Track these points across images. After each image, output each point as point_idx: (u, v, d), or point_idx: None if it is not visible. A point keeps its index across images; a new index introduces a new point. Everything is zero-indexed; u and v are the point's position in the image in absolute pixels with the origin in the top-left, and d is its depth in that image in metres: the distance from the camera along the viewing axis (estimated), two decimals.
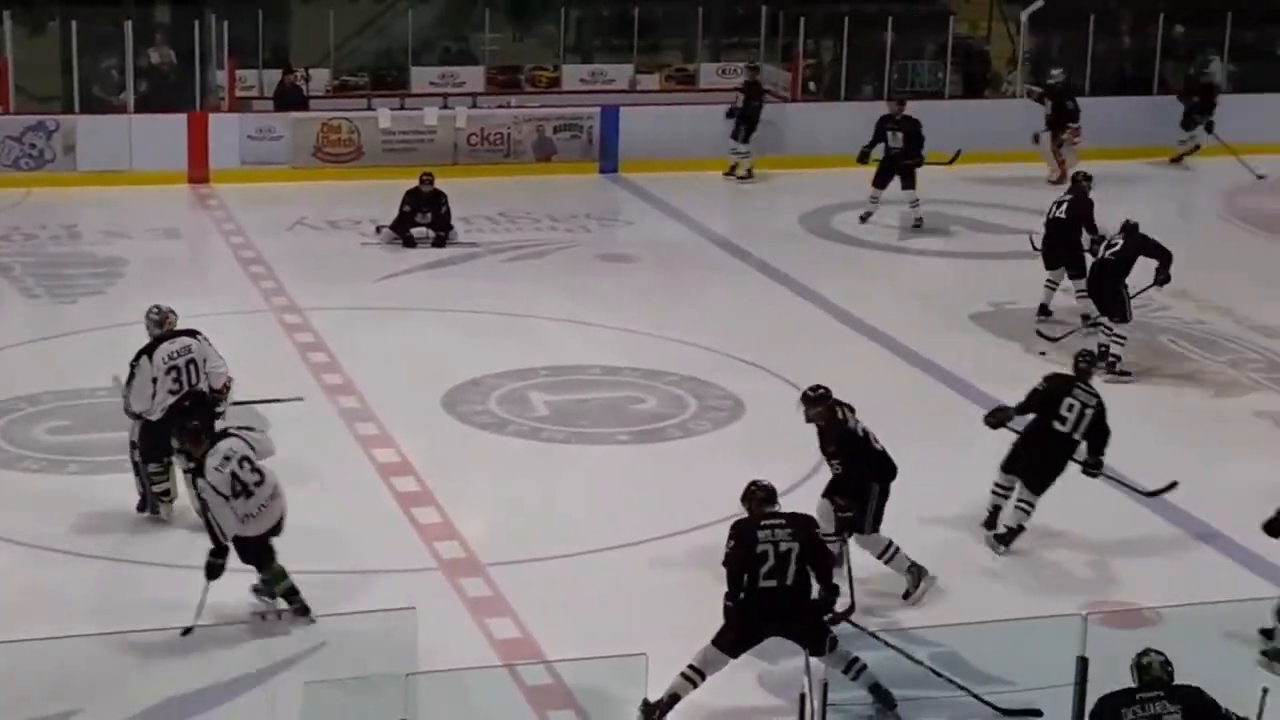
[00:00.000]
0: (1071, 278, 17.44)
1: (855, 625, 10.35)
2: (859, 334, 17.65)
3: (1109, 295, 16.26)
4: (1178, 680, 7.99)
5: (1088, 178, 18.03)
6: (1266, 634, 10.31)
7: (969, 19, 29.48)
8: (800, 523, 9.71)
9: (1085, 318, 17.07)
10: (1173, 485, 12.94)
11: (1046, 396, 12.33)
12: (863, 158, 22.14)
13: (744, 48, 29.35)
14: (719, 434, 14.65)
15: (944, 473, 13.30)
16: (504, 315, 18.13)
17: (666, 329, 17.44)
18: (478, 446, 14.45)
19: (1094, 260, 16.70)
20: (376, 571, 11.67)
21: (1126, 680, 8.14)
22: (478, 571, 11.85)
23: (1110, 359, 15.91)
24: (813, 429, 11.54)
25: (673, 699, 9.43)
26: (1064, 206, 17.70)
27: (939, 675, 9.66)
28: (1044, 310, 17.79)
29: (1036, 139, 24.66)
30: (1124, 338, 16.16)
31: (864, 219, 21.91)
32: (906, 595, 11.34)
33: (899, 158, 21.60)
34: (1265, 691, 8.19)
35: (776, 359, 16.26)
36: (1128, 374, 15.99)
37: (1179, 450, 14.30)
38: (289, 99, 25.22)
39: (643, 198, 23.82)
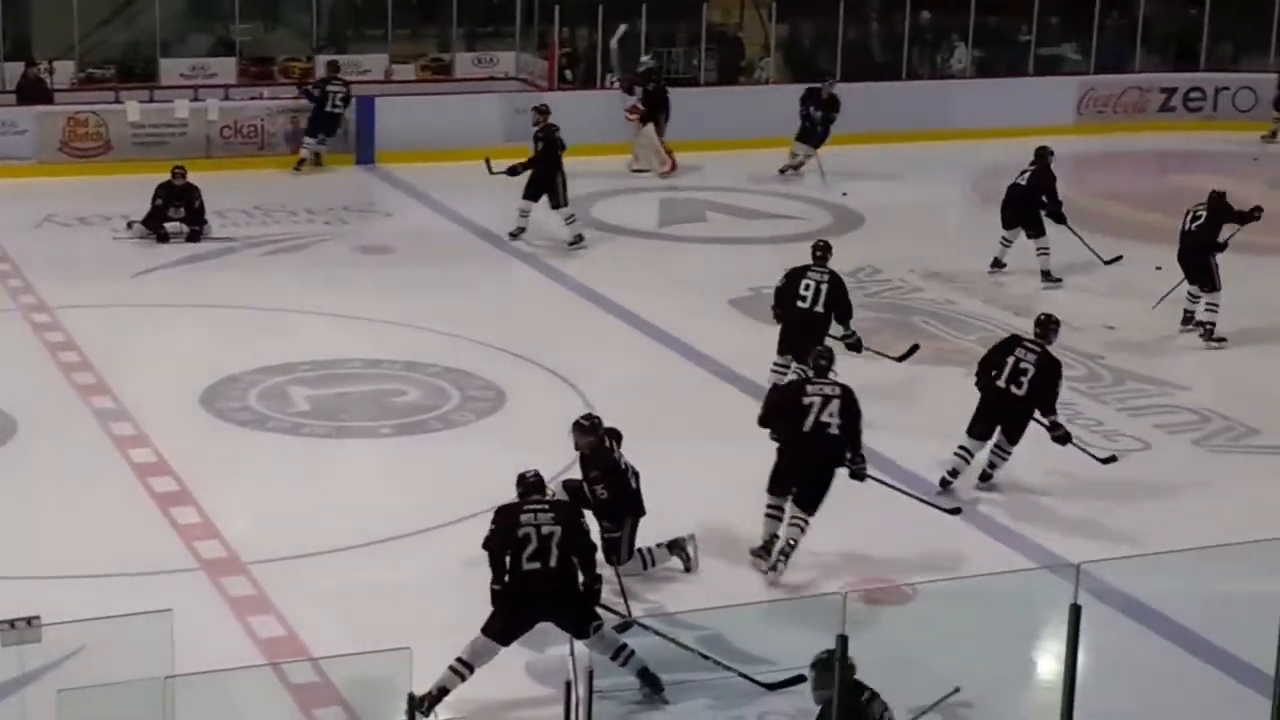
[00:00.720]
0: (1030, 236, 19.07)
1: (612, 611, 10.41)
2: (620, 320, 17.72)
3: (1198, 266, 16.98)
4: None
5: (1050, 152, 19.37)
6: None
7: (722, 6, 29.66)
8: (562, 508, 9.81)
9: (1045, 274, 18.92)
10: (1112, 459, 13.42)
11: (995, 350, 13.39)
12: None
13: (499, 36, 29.27)
14: (482, 424, 14.61)
15: (704, 455, 13.48)
16: (262, 310, 17.87)
17: (428, 320, 17.32)
18: (238, 444, 14.23)
19: (1181, 232, 17.34)
20: (135, 574, 11.42)
21: (888, 657, 8.33)
22: (240, 570, 11.68)
23: (1206, 326, 16.84)
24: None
25: (441, 692, 9.40)
26: (1026, 175, 19.19)
27: (706, 658, 9.76)
28: (997, 264, 19.38)
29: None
30: (1215, 305, 16.83)
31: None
32: (687, 569, 11.57)
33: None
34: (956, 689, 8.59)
35: (538, 348, 16.27)
36: (1223, 339, 16.84)
37: (936, 430, 14.59)
38: (32, 92, 24.50)
39: (401, 189, 23.64)
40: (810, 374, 12.29)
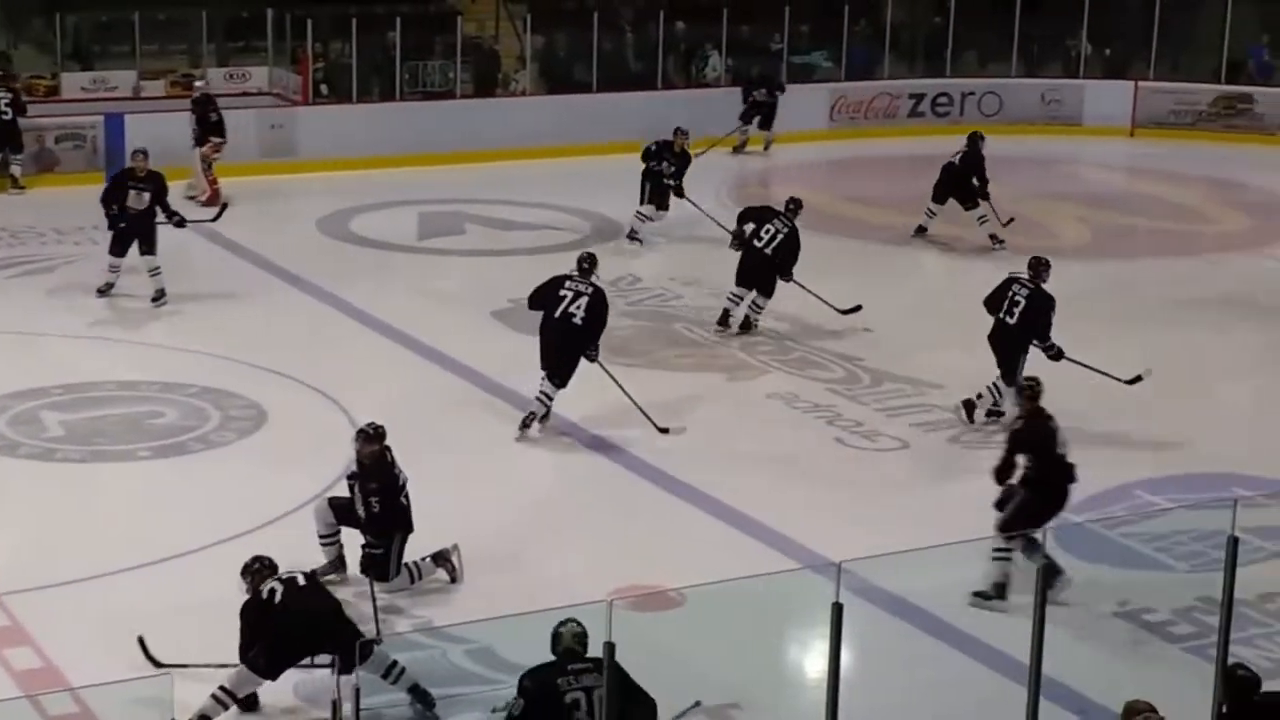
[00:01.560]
0: (968, 209, 20.95)
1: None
2: (382, 335, 17.59)
3: None
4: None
5: (981, 137, 21.12)
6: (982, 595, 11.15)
7: (476, 19, 29.66)
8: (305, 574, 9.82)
9: (993, 237, 20.88)
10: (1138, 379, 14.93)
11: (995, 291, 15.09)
12: None
13: (251, 51, 28.86)
14: (243, 444, 14.37)
15: (468, 466, 13.49)
16: (11, 333, 17.39)
17: (185, 340, 17.05)
18: None
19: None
20: None
21: (656, 662, 8.39)
22: None
23: None
24: (340, 441, 11.48)
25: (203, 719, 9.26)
26: (960, 157, 21.02)
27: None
28: (920, 230, 21.47)
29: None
30: None
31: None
32: (453, 580, 11.56)
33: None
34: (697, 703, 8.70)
35: (299, 366, 16.08)
36: None
37: (696, 432, 14.76)
38: None
39: None
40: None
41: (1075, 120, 30.12)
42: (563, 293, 14.53)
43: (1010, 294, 14.84)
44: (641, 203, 21.55)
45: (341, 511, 11.35)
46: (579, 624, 8.50)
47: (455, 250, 21.48)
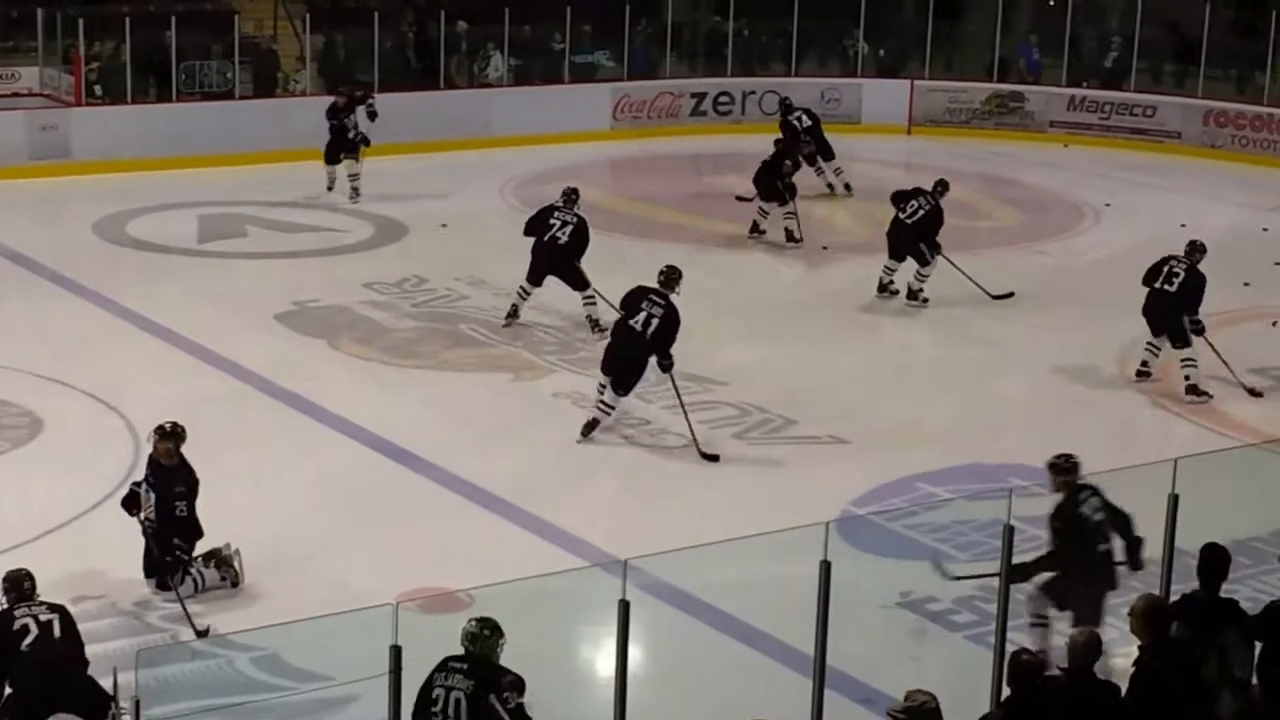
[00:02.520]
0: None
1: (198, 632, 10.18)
2: (161, 340, 17.25)
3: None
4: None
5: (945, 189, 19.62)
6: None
7: (254, 18, 29.27)
8: (59, 608, 9.35)
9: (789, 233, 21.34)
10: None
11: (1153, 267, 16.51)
12: None
13: (21, 51, 28.18)
14: (17, 454, 14.00)
15: (250, 469, 13.33)
16: None
17: None
18: None
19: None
20: None
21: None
22: None
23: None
24: (118, 446, 11.25)
25: None
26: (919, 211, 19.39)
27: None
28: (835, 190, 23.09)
29: None
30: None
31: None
32: (234, 585, 11.39)
33: None
34: None
35: (76, 372, 15.74)
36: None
37: (482, 433, 14.72)
38: None
39: None
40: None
41: (854, 118, 30.57)
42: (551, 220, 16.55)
43: (1169, 268, 16.34)
44: None
45: (128, 502, 11.16)
46: (481, 623, 8.38)
47: (237, 253, 21.16)
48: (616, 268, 19.51)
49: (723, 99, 30.57)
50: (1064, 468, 10.83)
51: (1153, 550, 9.91)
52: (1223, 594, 9.01)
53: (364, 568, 11.64)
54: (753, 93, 30.69)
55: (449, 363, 16.74)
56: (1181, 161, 28.13)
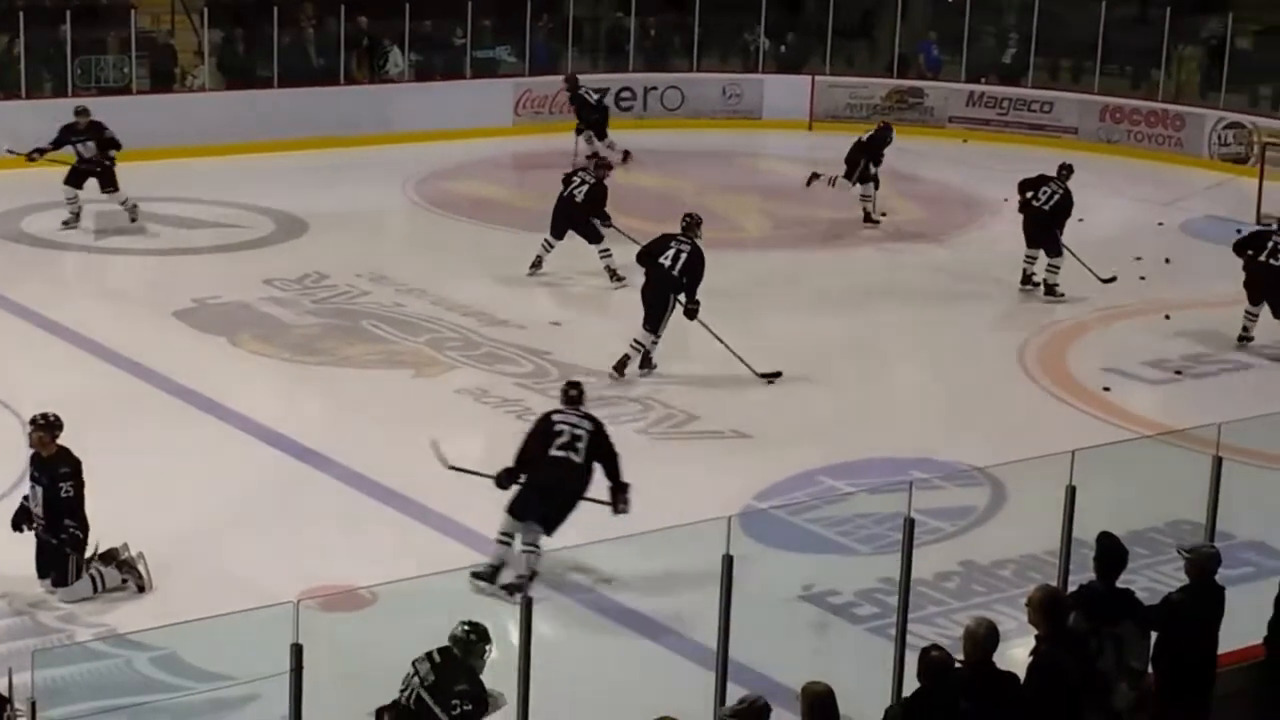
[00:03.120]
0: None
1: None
2: (60, 339, 17.04)
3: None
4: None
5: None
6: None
7: (151, 12, 28.87)
8: None
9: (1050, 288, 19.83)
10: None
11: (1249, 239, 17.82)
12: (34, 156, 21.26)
13: None
14: None
15: (149, 468, 13.22)
16: None
17: None
18: None
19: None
20: None
21: (345, 663, 8.30)
22: None
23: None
24: (10, 446, 11.11)
25: None
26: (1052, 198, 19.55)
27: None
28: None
29: None
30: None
31: (67, 224, 21.04)
32: (142, 589, 11.25)
33: (94, 164, 20.88)
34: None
35: None
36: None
37: (384, 430, 14.65)
38: None
39: None
40: None
41: (755, 114, 30.69)
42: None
43: (1273, 243, 17.15)
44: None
45: (23, 514, 11.04)
46: (468, 627, 8.41)
47: (135, 250, 20.91)
48: (521, 263, 19.56)
49: (624, 94, 30.54)
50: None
51: (1050, 542, 10.01)
52: (1120, 585, 9.11)
53: (265, 566, 11.55)
54: (655, 88, 30.69)
55: (350, 359, 16.65)
56: (1078, 157, 28.32)
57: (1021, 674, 8.38)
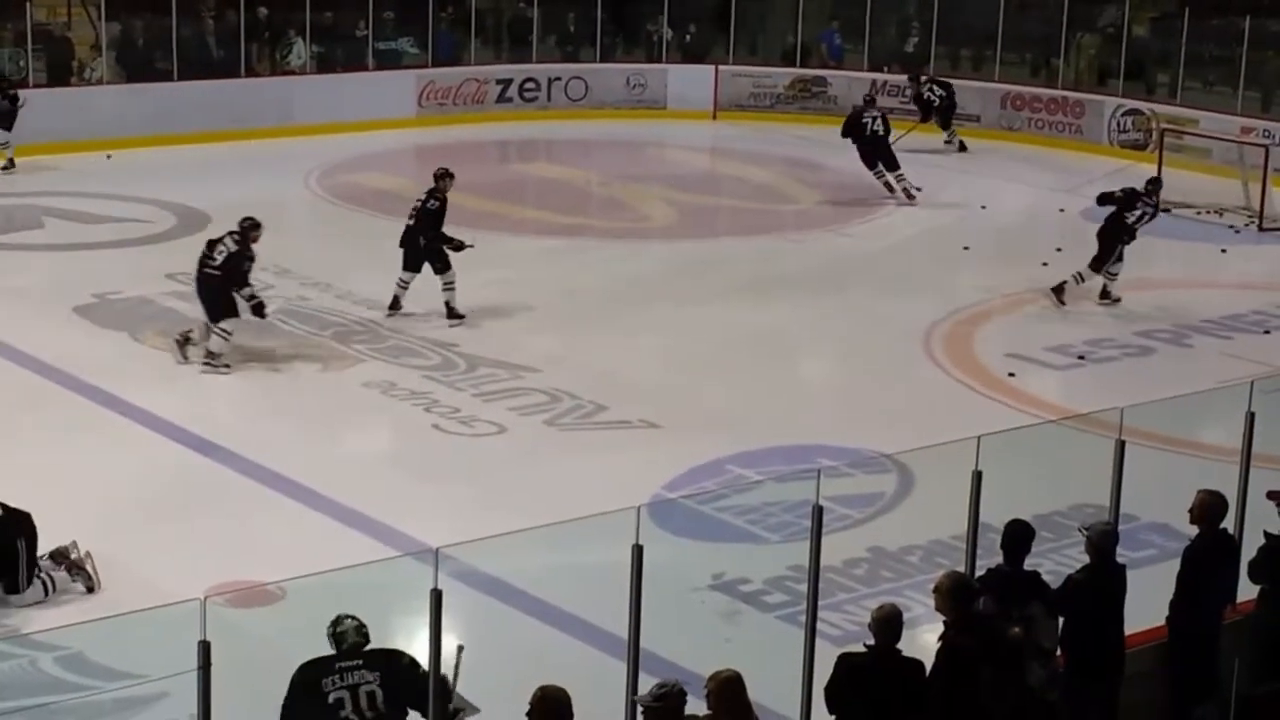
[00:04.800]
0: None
1: None
2: None
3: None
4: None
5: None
6: None
7: (47, 4, 28.55)
8: None
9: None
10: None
11: None
12: None
13: None
14: None
15: (49, 466, 13.11)
16: None
17: None
18: None
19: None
20: None
21: (254, 660, 8.22)
22: None
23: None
24: None
25: None
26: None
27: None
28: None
29: None
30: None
31: None
32: (91, 590, 11.12)
33: None
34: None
35: None
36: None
37: (291, 424, 14.57)
38: None
39: None
40: None
41: (659, 104, 30.73)
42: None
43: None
44: None
45: None
46: (354, 618, 8.36)
47: (33, 245, 20.67)
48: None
49: (529, 85, 30.50)
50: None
51: (957, 527, 10.08)
52: (1026, 567, 9.20)
53: (171, 563, 11.45)
54: (558, 79, 30.65)
55: (255, 354, 16.52)
56: (980, 144, 28.61)
57: (930, 661, 8.45)
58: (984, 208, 21.08)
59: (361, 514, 12.63)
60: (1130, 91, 28.99)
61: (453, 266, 17.49)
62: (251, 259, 16.01)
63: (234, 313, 15.93)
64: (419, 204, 17.56)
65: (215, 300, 15.81)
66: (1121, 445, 10.09)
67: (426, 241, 17.22)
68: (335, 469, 13.44)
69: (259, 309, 16.04)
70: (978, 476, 9.74)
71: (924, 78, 28.50)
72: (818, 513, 9.31)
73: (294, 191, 23.94)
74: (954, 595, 8.71)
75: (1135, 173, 26.18)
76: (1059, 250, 21.42)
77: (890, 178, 23.92)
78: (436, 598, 7.62)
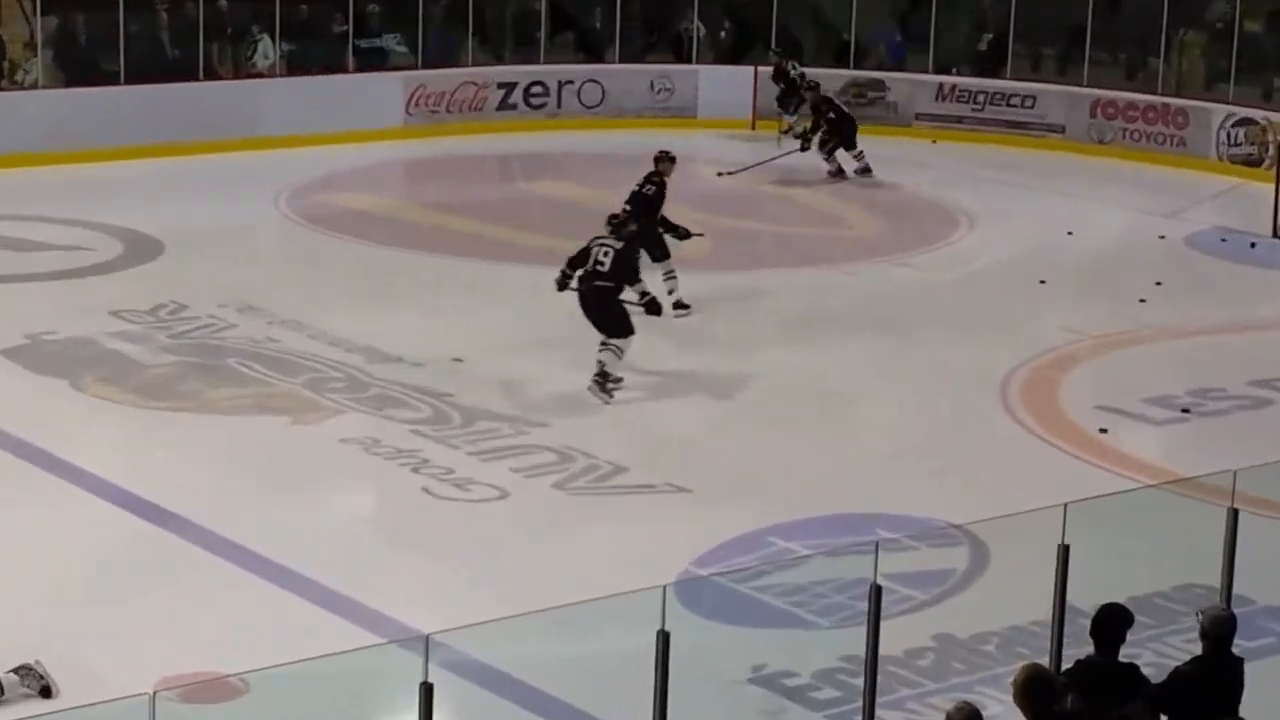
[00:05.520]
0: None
1: None
2: None
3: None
4: None
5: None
6: None
7: None
8: None
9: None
10: None
11: None
12: None
13: None
14: None
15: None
16: None
17: None
18: None
19: None
20: None
21: None
22: None
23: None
24: None
25: None
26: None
27: None
28: None
29: None
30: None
31: None
32: (48, 694, 10.89)
33: None
34: None
35: None
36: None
37: (256, 489, 14.54)
38: None
39: None
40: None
41: (689, 111, 30.79)
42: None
43: None
44: None
45: None
46: None
47: None
48: (409, 295, 19.48)
49: (535, 90, 30.58)
50: None
51: (1040, 611, 10.05)
52: (1122, 658, 9.16)
53: (116, 651, 11.42)
54: (570, 82, 30.73)
55: (215, 405, 16.54)
56: (1066, 159, 28.61)
57: None
58: (1070, 234, 21.05)
59: (338, 593, 12.59)
60: (1242, 98, 28.95)
61: (671, 255, 18.95)
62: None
63: (631, 329, 16.66)
64: (635, 189, 19.04)
65: (607, 312, 16.61)
66: (1235, 514, 10.07)
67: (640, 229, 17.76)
68: (308, 540, 13.40)
69: (653, 306, 17.51)
70: (1064, 550, 9.73)
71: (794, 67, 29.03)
72: (876, 593, 9.31)
73: (261, 214, 24.00)
74: (1029, 692, 8.69)
75: (1247, 193, 26.27)
76: (1158, 284, 21.42)
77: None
78: (426, 692, 7.63)
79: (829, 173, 26.80)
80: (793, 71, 28.83)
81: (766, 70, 30.75)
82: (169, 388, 16.91)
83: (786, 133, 28.43)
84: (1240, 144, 28.35)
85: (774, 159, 27.08)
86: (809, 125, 27.16)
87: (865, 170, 26.82)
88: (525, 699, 11.22)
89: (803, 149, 26.84)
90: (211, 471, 14.90)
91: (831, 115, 26.80)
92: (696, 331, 19.10)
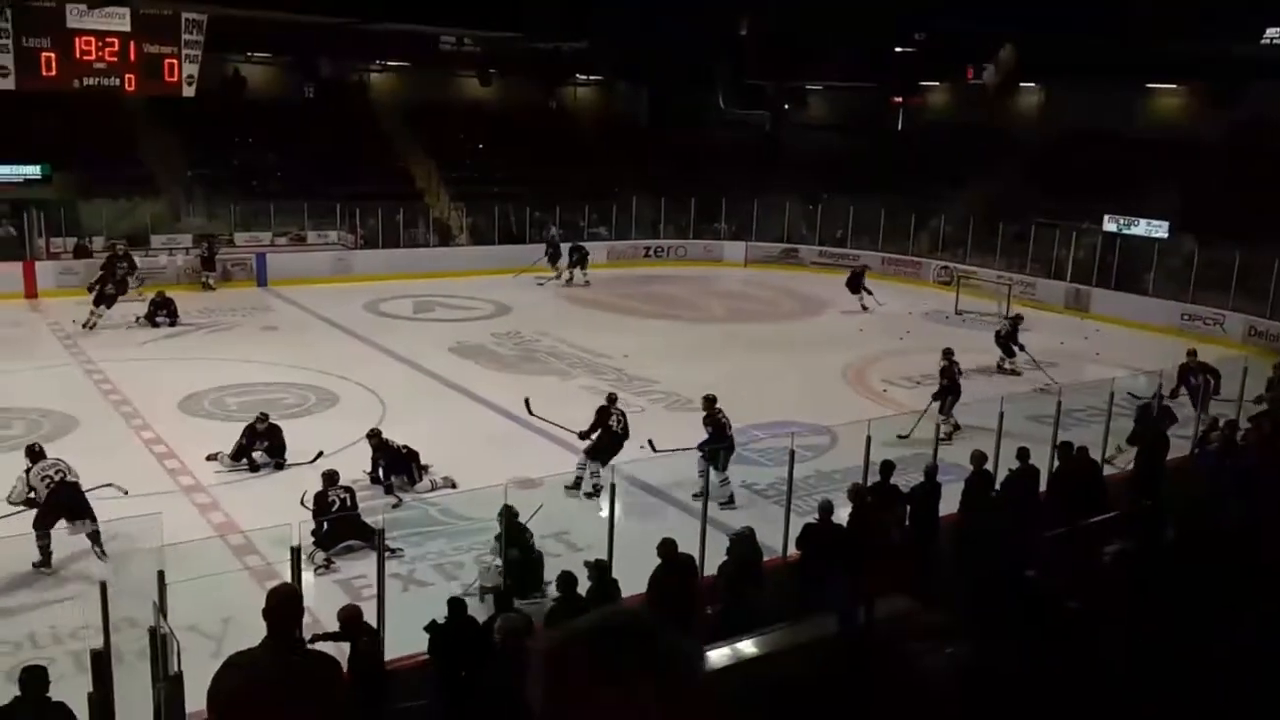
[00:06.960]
0: None
1: None
2: None
3: None
4: None
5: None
6: None
7: None
8: None
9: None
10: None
11: None
12: None
13: None
14: None
15: None
16: (211, 359, 16.03)
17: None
18: (200, 429, 12.69)
19: None
20: (146, 494, 10.17)
21: None
22: (203, 490, 10.58)
23: None
24: None
25: None
26: None
27: None
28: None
29: None
30: None
31: None
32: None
33: None
34: None
35: None
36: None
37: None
38: None
39: (281, 298, 21.11)
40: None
41: (719, 258, 27.86)
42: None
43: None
44: None
45: None
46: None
47: None
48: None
49: (659, 249, 27.42)
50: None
51: (857, 461, 9.56)
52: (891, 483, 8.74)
53: None
54: (675, 247, 27.90)
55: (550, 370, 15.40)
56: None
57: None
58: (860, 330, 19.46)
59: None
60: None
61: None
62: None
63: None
64: None
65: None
66: (937, 429, 9.57)
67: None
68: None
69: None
70: (869, 440, 9.37)
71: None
72: (791, 455, 9.09)
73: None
74: (854, 493, 8.56)
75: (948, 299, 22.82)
76: (909, 332, 19.37)
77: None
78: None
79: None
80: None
81: (752, 244, 27.68)
82: (518, 366, 16.22)
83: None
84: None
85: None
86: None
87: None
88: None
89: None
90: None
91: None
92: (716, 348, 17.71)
